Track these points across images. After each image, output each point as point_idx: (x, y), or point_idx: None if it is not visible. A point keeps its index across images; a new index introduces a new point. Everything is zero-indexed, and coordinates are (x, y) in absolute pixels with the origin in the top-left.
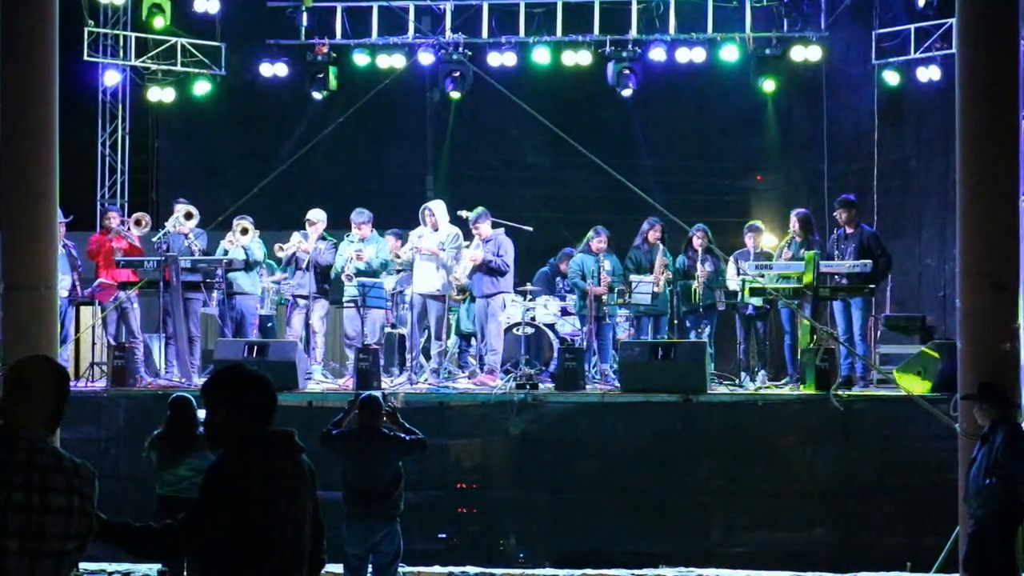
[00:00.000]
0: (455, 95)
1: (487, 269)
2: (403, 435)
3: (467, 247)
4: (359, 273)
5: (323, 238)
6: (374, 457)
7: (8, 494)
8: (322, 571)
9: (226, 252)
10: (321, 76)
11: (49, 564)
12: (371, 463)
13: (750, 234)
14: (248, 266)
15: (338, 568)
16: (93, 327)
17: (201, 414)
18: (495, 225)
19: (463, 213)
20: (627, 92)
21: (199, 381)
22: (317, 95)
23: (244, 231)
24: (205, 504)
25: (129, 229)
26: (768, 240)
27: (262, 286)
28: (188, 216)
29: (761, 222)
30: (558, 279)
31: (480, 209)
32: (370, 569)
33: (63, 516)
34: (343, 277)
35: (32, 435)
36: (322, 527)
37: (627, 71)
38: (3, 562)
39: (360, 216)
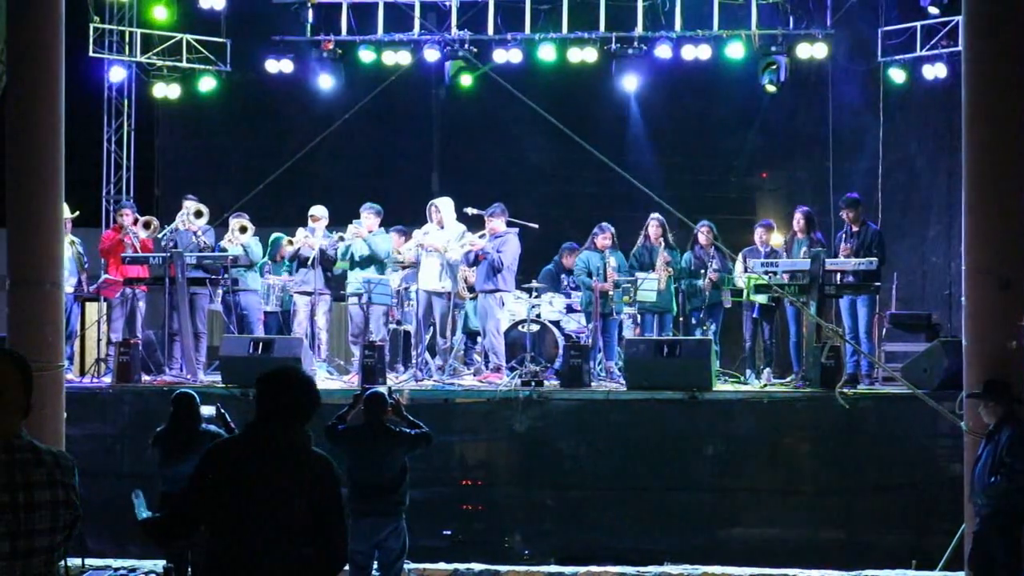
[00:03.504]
0: (464, 84)
1: (489, 265)
2: (408, 429)
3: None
4: (365, 260)
5: (328, 234)
6: (380, 453)
7: None
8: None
9: (225, 251)
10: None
11: (41, 561)
12: (377, 459)
13: (761, 231)
14: (250, 264)
15: None
16: (98, 323)
17: (204, 410)
18: (510, 225)
19: (470, 210)
20: (632, 89)
21: (204, 378)
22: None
23: (243, 229)
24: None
25: (136, 224)
26: (774, 238)
27: (267, 283)
28: (198, 214)
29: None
30: (563, 276)
31: (497, 205)
32: (375, 565)
33: (49, 510)
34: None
35: (7, 432)
36: (333, 527)
37: (632, 68)
38: None
39: (370, 209)
